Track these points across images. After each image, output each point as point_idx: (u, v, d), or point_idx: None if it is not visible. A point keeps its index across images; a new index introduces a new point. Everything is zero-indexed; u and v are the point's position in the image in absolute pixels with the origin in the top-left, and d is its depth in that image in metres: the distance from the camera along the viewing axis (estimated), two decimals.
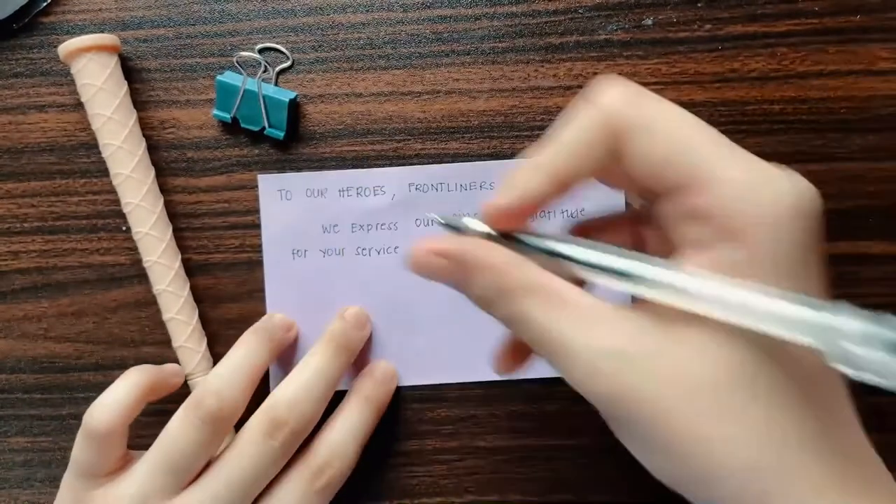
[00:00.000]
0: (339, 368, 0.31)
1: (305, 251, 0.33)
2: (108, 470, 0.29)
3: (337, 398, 0.32)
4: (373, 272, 0.33)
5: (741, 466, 0.19)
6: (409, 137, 0.33)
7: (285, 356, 0.33)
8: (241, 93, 0.33)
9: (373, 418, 0.32)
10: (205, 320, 0.34)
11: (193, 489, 0.28)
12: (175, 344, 0.33)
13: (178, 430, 0.28)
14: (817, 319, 0.17)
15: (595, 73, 0.33)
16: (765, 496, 0.19)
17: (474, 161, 0.33)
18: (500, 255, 0.22)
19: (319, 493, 0.30)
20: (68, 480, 0.30)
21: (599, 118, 0.22)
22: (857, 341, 0.16)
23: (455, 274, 0.22)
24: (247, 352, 0.30)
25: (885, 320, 0.16)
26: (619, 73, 0.33)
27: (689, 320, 0.20)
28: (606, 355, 0.20)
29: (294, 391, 0.29)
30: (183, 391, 0.32)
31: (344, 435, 0.31)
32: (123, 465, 0.30)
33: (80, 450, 0.29)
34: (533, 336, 0.21)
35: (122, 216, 0.33)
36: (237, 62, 0.33)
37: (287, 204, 0.33)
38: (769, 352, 0.20)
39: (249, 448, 0.29)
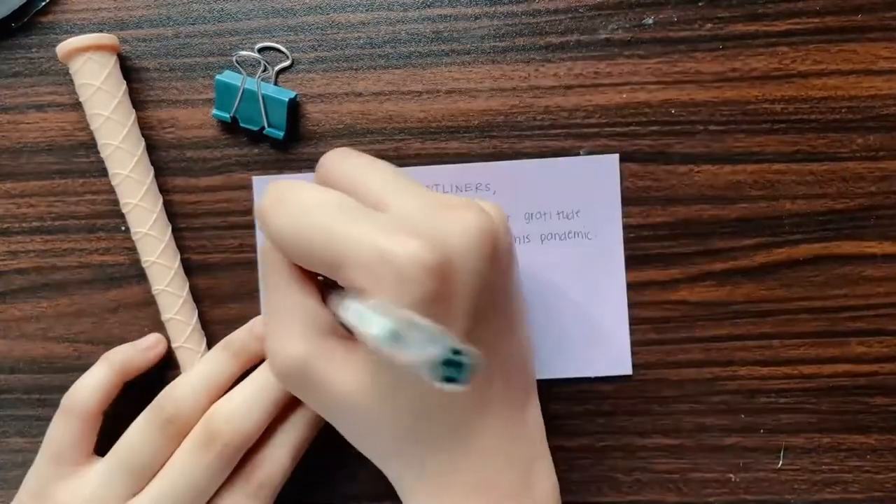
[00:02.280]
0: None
1: None
2: (76, 457, 0.30)
3: None
4: None
5: (380, 454, 0.27)
6: (408, 137, 0.33)
7: None
8: (240, 92, 0.32)
9: (309, 428, 0.32)
10: (204, 320, 0.33)
11: (139, 497, 0.29)
12: (174, 344, 0.33)
13: (136, 433, 0.30)
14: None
15: (595, 73, 0.33)
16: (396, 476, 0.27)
17: (475, 161, 0.33)
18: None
19: (251, 498, 0.30)
20: (37, 465, 0.31)
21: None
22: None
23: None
24: (212, 365, 0.31)
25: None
26: (620, 73, 0.33)
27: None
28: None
29: (234, 405, 0.30)
30: None
31: (277, 442, 0.31)
32: (87, 461, 0.31)
33: (56, 430, 0.30)
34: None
35: (121, 216, 0.33)
36: (236, 61, 0.33)
37: None
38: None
39: (185, 459, 0.29)
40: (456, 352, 0.18)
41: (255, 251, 0.34)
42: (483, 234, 0.24)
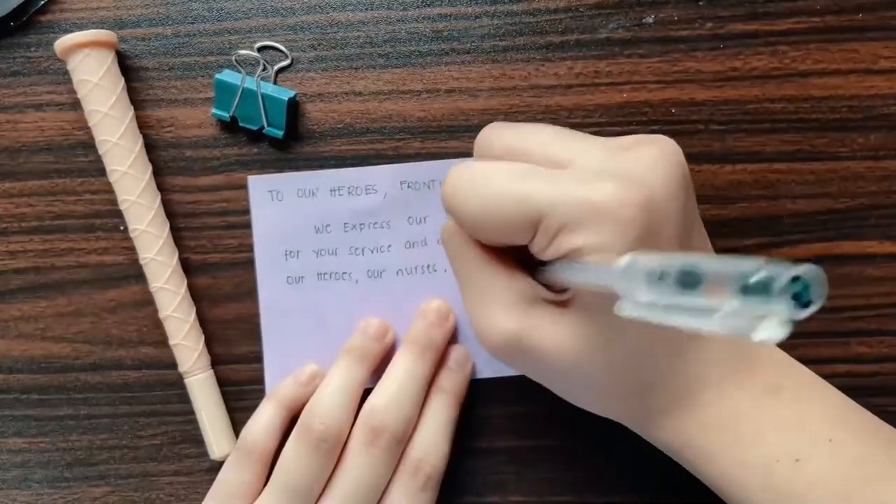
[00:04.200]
0: (427, 367, 0.32)
1: (298, 252, 0.33)
2: (250, 496, 0.30)
3: None
4: (367, 271, 0.33)
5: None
6: (408, 136, 0.33)
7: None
8: (239, 91, 0.32)
9: (453, 407, 0.32)
10: (203, 320, 0.33)
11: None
12: (172, 342, 0.33)
13: (292, 457, 0.30)
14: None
15: (596, 72, 0.33)
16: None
17: None
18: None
19: (422, 490, 0.31)
20: None
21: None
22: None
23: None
24: (343, 373, 0.31)
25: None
26: (620, 72, 0.33)
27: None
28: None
29: (387, 396, 0.31)
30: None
31: (431, 431, 0.31)
32: (255, 499, 0.31)
33: (232, 472, 0.31)
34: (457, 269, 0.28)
35: (120, 215, 0.33)
36: (236, 61, 0.33)
37: (278, 205, 0.33)
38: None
39: (355, 461, 0.30)
40: (795, 277, 0.16)
41: (253, 251, 0.33)
42: (672, 164, 0.24)
